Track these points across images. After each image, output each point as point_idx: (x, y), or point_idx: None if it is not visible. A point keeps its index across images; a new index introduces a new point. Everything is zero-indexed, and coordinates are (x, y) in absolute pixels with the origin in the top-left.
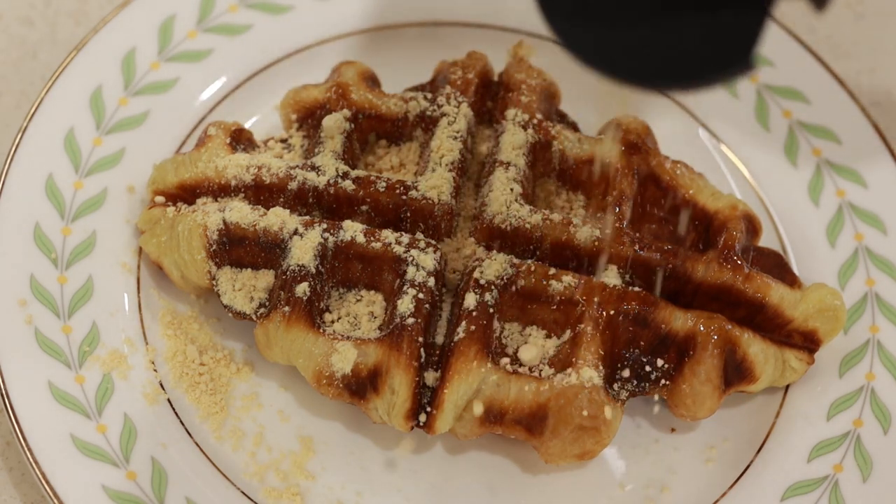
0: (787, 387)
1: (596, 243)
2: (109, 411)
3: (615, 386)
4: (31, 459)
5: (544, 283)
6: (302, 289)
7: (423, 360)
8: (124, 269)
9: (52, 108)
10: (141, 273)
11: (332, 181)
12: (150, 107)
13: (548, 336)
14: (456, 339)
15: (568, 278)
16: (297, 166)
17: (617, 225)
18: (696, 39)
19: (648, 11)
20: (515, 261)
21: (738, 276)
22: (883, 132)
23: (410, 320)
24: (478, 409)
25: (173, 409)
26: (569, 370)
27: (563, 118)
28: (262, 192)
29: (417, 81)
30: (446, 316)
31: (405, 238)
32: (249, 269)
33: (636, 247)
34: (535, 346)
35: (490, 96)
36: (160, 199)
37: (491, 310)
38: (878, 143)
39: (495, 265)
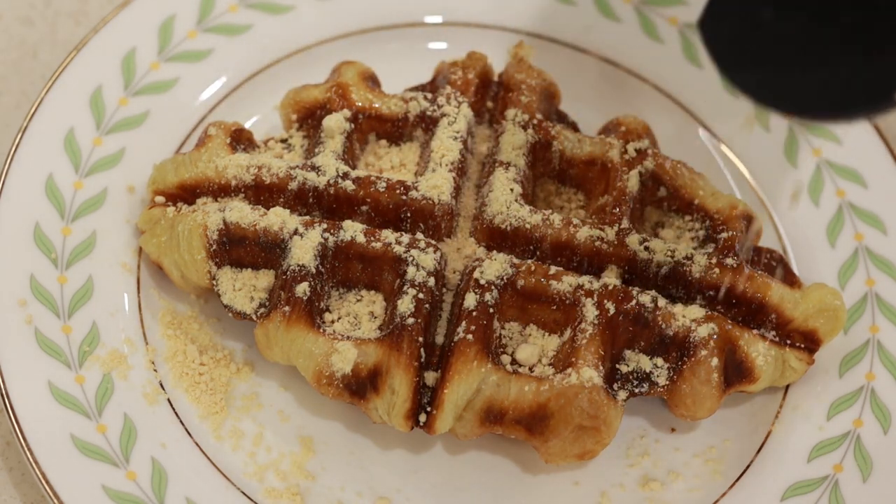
0: (787, 387)
1: (596, 243)
2: (109, 411)
3: (615, 386)
4: (31, 459)
5: (544, 283)
6: (302, 289)
7: (423, 360)
8: (124, 269)
9: (52, 108)
10: (141, 273)
11: (332, 181)
12: (150, 107)
13: (547, 336)
14: (456, 339)
15: (568, 278)
16: (297, 166)
17: (617, 225)
18: (846, 78)
19: (806, 54)
20: (515, 261)
21: (738, 276)
22: (883, 132)
23: (410, 320)
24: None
25: (173, 409)
26: (569, 370)
27: (563, 118)
28: (262, 192)
29: (417, 81)
30: (446, 316)
31: (405, 238)
32: (249, 269)
33: (636, 246)
34: (532, 345)
35: (490, 96)
36: (160, 199)
37: (491, 310)
38: (878, 143)
39: (495, 265)
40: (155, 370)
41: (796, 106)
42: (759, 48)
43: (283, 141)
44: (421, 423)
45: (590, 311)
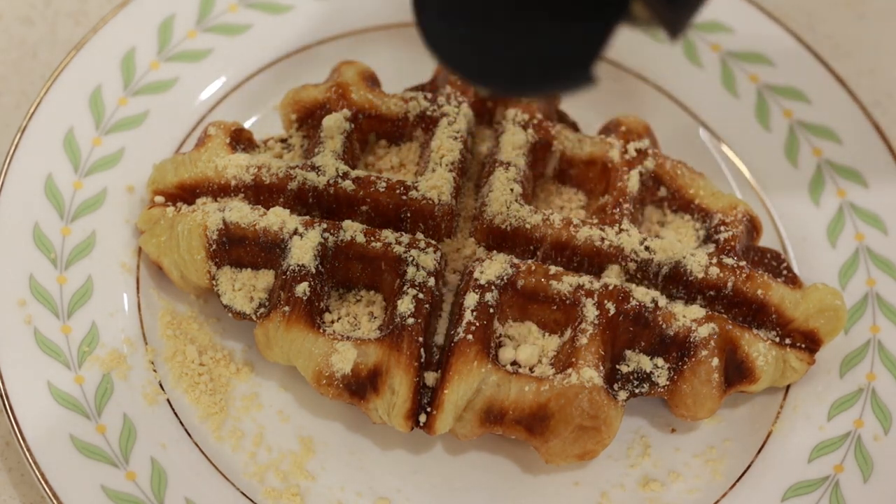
0: (788, 387)
1: (596, 243)
2: (109, 411)
3: (615, 386)
4: (30, 459)
5: (544, 283)
6: (302, 289)
7: (423, 360)
8: (124, 269)
9: (52, 107)
10: (140, 273)
11: (332, 181)
12: (150, 107)
13: (548, 336)
14: (456, 339)
15: (568, 278)
16: (297, 166)
17: (617, 225)
18: (543, 49)
19: (507, 19)
20: (515, 261)
21: (739, 275)
22: (883, 132)
23: (410, 320)
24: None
25: (173, 409)
26: (569, 370)
27: (563, 118)
28: (262, 192)
29: (417, 81)
30: (446, 316)
31: (405, 238)
32: (249, 269)
33: (636, 246)
34: (532, 345)
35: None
36: (160, 198)
37: (491, 310)
38: (879, 143)
39: (495, 265)
40: (154, 370)
41: (497, 81)
42: (463, 21)
43: (283, 141)
44: (421, 424)
45: (590, 311)
